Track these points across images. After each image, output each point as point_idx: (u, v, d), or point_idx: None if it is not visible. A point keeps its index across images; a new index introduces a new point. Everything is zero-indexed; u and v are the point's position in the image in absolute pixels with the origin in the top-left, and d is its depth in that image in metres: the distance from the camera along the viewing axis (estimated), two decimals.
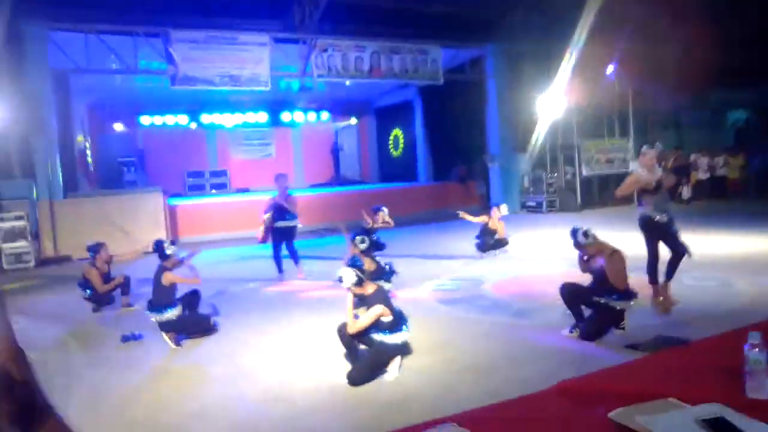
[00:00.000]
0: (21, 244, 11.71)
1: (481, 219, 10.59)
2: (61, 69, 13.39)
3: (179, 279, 6.42)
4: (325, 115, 22.73)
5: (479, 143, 18.33)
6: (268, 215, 9.12)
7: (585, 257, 5.93)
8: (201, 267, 6.96)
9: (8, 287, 9.85)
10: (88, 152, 17.99)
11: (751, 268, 8.33)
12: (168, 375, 5.43)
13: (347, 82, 16.13)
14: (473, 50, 17.34)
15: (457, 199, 18.36)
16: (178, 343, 6.15)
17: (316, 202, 15.81)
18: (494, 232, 10.46)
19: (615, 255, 5.66)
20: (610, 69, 17.38)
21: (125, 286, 7.95)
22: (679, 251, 6.57)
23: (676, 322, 6.08)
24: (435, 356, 5.40)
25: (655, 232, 6.58)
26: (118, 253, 8.56)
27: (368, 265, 6.22)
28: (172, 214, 14.51)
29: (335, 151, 23.37)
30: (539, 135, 17.12)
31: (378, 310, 4.91)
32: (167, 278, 6.32)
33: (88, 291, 7.82)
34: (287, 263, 9.40)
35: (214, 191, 20.71)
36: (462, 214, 10.61)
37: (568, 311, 5.89)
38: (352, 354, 5.17)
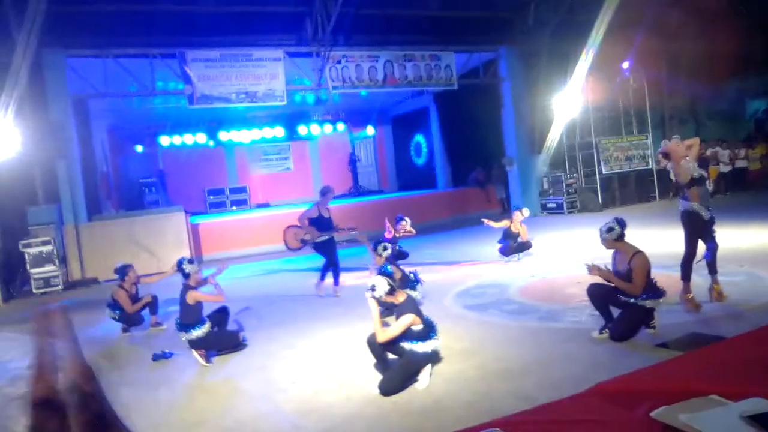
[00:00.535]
0: (49, 269, 11.87)
1: (504, 224, 10.56)
2: (79, 94, 13.64)
3: (203, 297, 6.45)
4: (341, 126, 22.82)
5: (496, 147, 18.27)
6: (311, 230, 8.86)
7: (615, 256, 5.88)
8: (227, 283, 6.99)
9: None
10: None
11: None
12: (201, 391, 5.47)
13: (362, 93, 16.19)
14: (486, 53, 17.33)
15: (477, 204, 18.34)
16: (208, 360, 6.19)
17: (335, 214, 15.78)
18: (517, 235, 10.42)
19: (638, 256, 5.60)
20: (625, 65, 17.28)
21: (153, 305, 8.02)
22: (713, 247, 6.46)
23: (707, 318, 5.99)
24: (465, 363, 5.39)
25: (698, 227, 6.44)
26: (146, 275, 8.65)
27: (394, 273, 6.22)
28: (194, 232, 14.64)
29: (353, 162, 23.43)
30: (556, 135, 17.04)
31: (409, 319, 4.91)
32: (191, 297, 6.36)
33: (117, 312, 7.90)
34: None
35: (234, 208, 20.86)
36: (486, 221, 10.60)
37: (597, 312, 5.84)
38: (382, 364, 5.17)
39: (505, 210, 17.40)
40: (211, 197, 21.12)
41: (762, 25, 14.43)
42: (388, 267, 5.30)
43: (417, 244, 10.93)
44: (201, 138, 20.76)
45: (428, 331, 5.01)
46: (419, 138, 23.16)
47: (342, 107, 21.29)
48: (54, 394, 0.81)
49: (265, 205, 20.73)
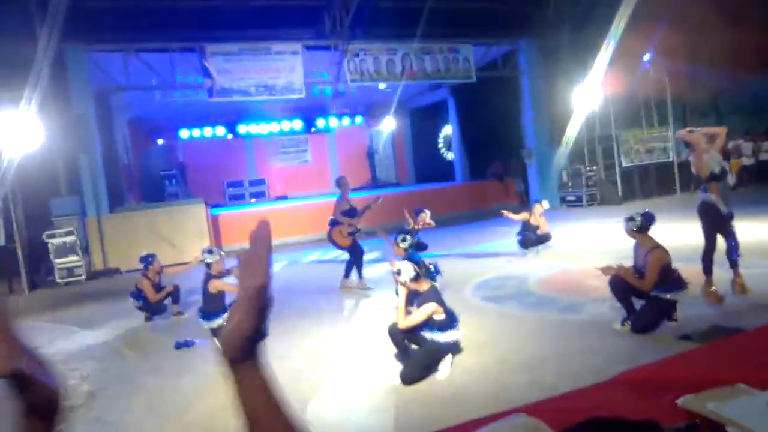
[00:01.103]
0: (72, 259, 12.06)
1: (524, 216, 10.50)
2: (101, 87, 13.79)
3: (224, 287, 6.51)
4: (359, 119, 22.85)
5: (515, 139, 18.18)
6: (351, 220, 8.82)
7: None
8: None
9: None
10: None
11: None
12: (223, 380, 5.52)
13: (381, 86, 16.18)
14: (505, 46, 17.25)
15: (496, 196, 18.28)
16: None
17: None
18: (536, 228, 10.37)
19: (653, 252, 5.56)
20: (646, 57, 17.08)
21: (175, 295, 8.13)
22: (735, 244, 6.40)
23: (729, 311, 5.95)
24: (485, 354, 5.40)
25: (715, 221, 6.37)
26: (168, 265, 8.75)
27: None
28: (214, 224, 14.76)
29: (371, 155, 23.44)
30: (576, 128, 16.91)
31: (432, 308, 4.93)
32: (213, 286, 6.44)
33: (141, 300, 8.03)
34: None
35: (254, 200, 20.99)
36: (505, 212, 10.54)
37: (618, 304, 5.82)
38: (403, 353, 5.20)
39: (524, 203, 17.32)
40: (231, 189, 21.27)
41: None
42: (416, 253, 5.33)
43: (436, 236, 10.92)
44: (220, 131, 20.95)
45: (451, 321, 5.03)
46: (437, 130, 23.07)
47: (360, 100, 21.30)
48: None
49: (283, 198, 20.84)
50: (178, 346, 6.58)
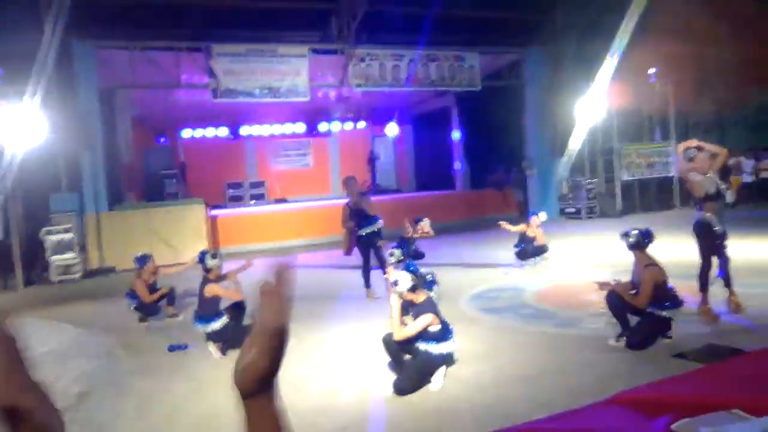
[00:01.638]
0: (69, 256, 12.00)
1: (521, 228, 10.47)
2: (106, 85, 13.79)
3: (221, 292, 6.49)
4: (361, 123, 22.82)
5: (517, 149, 18.17)
6: (351, 224, 8.46)
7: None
8: (245, 278, 6.89)
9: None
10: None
11: None
12: (216, 384, 5.50)
13: (384, 91, 16.19)
14: (511, 55, 17.27)
15: (494, 206, 18.23)
16: (224, 353, 6.24)
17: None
18: (533, 239, 10.35)
19: (647, 270, 5.55)
20: (651, 70, 17.08)
21: (170, 296, 8.10)
22: (724, 262, 6.41)
23: (725, 330, 5.94)
24: (480, 366, 5.38)
25: (710, 239, 6.39)
26: (165, 265, 8.72)
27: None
28: (212, 224, 14.73)
29: (372, 160, 23.41)
30: (579, 140, 16.90)
31: (428, 319, 4.90)
32: (209, 290, 6.42)
33: (135, 301, 7.99)
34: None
35: (253, 202, 20.95)
36: (503, 224, 10.47)
37: (614, 320, 5.80)
38: (397, 363, 5.17)
39: (523, 213, 17.30)
40: (231, 191, 21.23)
41: None
42: (413, 264, 5.29)
43: (433, 245, 10.90)
44: (222, 131, 20.92)
45: (446, 332, 5.01)
46: (440, 138, 23.02)
47: (363, 105, 21.29)
48: None
49: (282, 201, 20.81)
50: (172, 348, 6.55)
